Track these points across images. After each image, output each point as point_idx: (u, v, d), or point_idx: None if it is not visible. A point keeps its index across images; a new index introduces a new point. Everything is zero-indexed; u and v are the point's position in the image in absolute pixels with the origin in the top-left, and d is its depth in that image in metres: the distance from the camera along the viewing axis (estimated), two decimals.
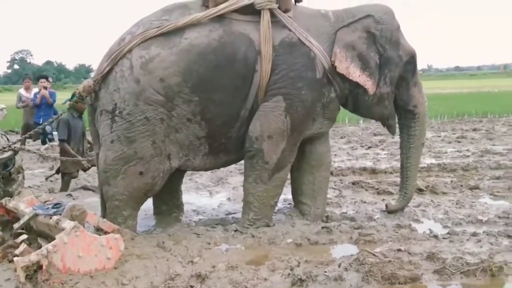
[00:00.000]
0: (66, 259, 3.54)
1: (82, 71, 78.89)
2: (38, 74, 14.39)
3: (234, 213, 5.67)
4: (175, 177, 5.21)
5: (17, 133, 13.25)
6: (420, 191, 6.30)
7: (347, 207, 5.89)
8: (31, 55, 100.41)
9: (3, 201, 4.56)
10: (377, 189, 6.65)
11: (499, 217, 5.29)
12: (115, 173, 4.60)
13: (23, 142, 8.43)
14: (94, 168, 6.40)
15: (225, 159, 5.02)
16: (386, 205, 5.57)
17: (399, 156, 5.60)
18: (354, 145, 11.29)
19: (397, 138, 5.72)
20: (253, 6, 4.67)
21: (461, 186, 6.76)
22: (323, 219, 5.22)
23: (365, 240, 4.57)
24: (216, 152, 4.86)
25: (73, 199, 6.33)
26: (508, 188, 6.63)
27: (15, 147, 5.13)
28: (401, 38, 5.13)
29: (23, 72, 55.25)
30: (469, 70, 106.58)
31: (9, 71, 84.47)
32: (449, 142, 11.40)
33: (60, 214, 3.94)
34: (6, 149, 5.00)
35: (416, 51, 5.21)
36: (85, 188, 6.95)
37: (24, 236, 3.95)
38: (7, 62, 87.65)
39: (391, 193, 6.39)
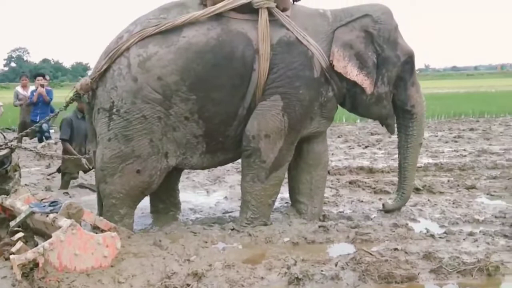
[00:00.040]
0: (63, 257, 3.53)
1: (79, 69, 78.58)
2: (35, 72, 14.42)
3: (231, 212, 5.67)
4: (173, 175, 5.21)
5: (13, 131, 13.23)
6: (417, 190, 6.31)
7: (344, 206, 5.89)
8: (28, 53, 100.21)
9: None
10: (374, 188, 6.65)
11: (495, 217, 5.30)
12: (112, 171, 4.59)
13: (19, 140, 8.41)
14: None
15: (222, 158, 5.02)
16: (383, 204, 5.58)
17: (396, 156, 5.61)
18: (351, 144, 11.30)
19: (394, 137, 5.73)
20: (251, 5, 4.67)
21: (458, 185, 6.77)
22: (320, 218, 5.22)
23: (362, 239, 4.57)
24: (213, 150, 4.86)
25: (70, 197, 6.34)
26: (504, 187, 6.65)
27: (11, 145, 5.11)
28: (399, 38, 5.13)
29: (20, 70, 55.12)
30: (466, 70, 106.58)
31: (6, 69, 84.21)
32: (446, 142, 11.42)
33: (57, 212, 3.93)
34: (2, 147, 4.99)
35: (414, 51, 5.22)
36: (82, 186, 6.96)
37: (21, 234, 3.93)
38: (4, 60, 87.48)
39: (388, 193, 6.40)
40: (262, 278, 3.73)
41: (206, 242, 4.47)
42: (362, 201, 6.06)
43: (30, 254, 3.41)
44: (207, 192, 6.79)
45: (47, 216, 3.94)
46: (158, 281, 3.61)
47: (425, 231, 4.78)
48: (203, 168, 5.38)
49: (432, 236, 4.64)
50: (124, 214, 4.69)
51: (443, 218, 5.32)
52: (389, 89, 5.09)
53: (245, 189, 4.95)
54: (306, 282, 3.63)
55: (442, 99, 22.72)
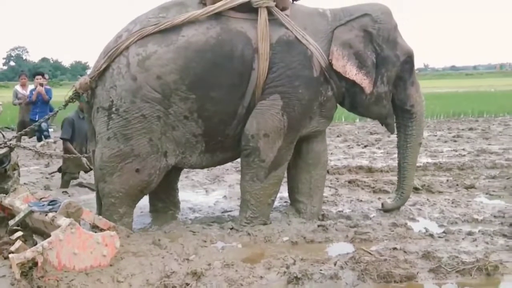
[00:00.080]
0: (62, 256, 3.53)
1: (78, 68, 78.61)
2: (34, 71, 14.36)
3: (230, 211, 5.67)
4: (172, 174, 5.21)
5: (12, 130, 13.22)
6: (416, 190, 6.31)
7: (343, 205, 5.89)
8: (27, 52, 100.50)
9: None
10: (373, 187, 6.66)
11: (494, 216, 5.31)
12: (111, 170, 4.59)
13: (18, 139, 8.41)
14: None
15: (221, 157, 5.02)
16: (382, 204, 5.58)
17: (395, 155, 5.61)
18: (351, 144, 11.31)
19: (393, 137, 5.73)
20: (250, 4, 4.67)
21: (457, 185, 6.77)
22: (319, 218, 5.22)
23: (361, 239, 4.57)
24: (212, 149, 4.86)
25: (69, 196, 6.34)
26: (503, 187, 6.65)
27: (10, 143, 5.11)
28: (399, 38, 5.13)
29: (19, 69, 54.97)
30: (465, 69, 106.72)
31: (5, 67, 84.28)
32: (445, 141, 11.43)
33: (56, 211, 3.93)
34: (1, 146, 4.98)
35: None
36: (81, 185, 6.96)
37: (20, 233, 3.93)
38: (3, 58, 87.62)
39: (387, 192, 6.41)
40: (261, 277, 3.73)
41: (205, 241, 4.48)
42: (361, 201, 6.06)
43: (29, 253, 3.40)
44: (206, 191, 6.78)
45: (46, 215, 3.94)
46: (157, 280, 3.61)
47: (424, 230, 4.79)
48: (202, 167, 5.38)
49: (431, 235, 4.64)
50: (123, 213, 4.69)
51: (442, 217, 5.32)
52: (388, 89, 5.09)
53: (244, 188, 4.95)
54: (305, 281, 3.63)
55: (441, 98, 22.74)
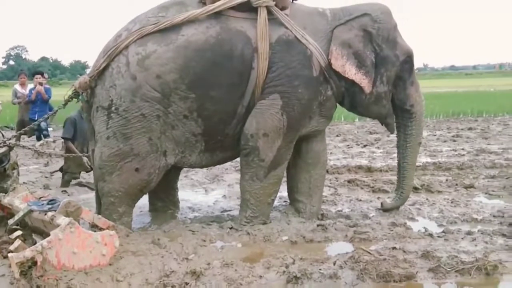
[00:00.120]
0: (61, 255, 3.53)
1: (78, 67, 78.58)
2: (34, 70, 14.34)
3: (230, 211, 5.67)
4: (172, 174, 5.21)
5: (12, 129, 13.21)
6: (415, 189, 6.31)
7: (343, 205, 5.89)
8: (27, 51, 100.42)
9: None
10: (373, 187, 6.66)
11: (494, 216, 5.31)
12: (110, 170, 4.59)
13: (18, 138, 8.41)
14: None
15: (221, 156, 5.02)
16: (381, 203, 5.58)
17: (394, 155, 5.61)
18: (350, 143, 11.31)
19: (392, 136, 5.73)
20: (250, 3, 4.66)
21: (456, 185, 6.77)
22: (319, 217, 5.22)
23: (360, 238, 4.57)
24: (212, 149, 4.86)
25: (68, 195, 6.34)
26: (503, 187, 6.65)
27: (10, 143, 5.11)
28: (398, 37, 5.12)
29: (19, 68, 55.01)
30: (464, 69, 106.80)
31: (5, 67, 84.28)
32: (445, 141, 11.43)
33: (55, 210, 3.93)
34: (1, 145, 4.98)
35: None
36: (80, 184, 6.95)
37: (19, 232, 3.94)
38: (3, 58, 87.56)
39: (386, 191, 6.41)
40: (261, 276, 3.73)
41: (205, 241, 4.47)
42: (360, 200, 6.06)
43: (28, 252, 3.40)
44: (205, 191, 6.78)
45: (46, 214, 3.94)
46: (157, 280, 3.61)
47: (423, 230, 4.79)
48: (202, 167, 5.38)
49: (431, 235, 4.65)
50: (122, 212, 4.69)
51: (441, 217, 5.32)
52: (388, 89, 5.09)
53: (244, 188, 4.95)
54: (305, 280, 3.63)
55: (440, 98, 22.72)
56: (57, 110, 5.41)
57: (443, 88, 34.67)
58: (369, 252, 4.02)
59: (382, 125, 5.55)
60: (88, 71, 5.14)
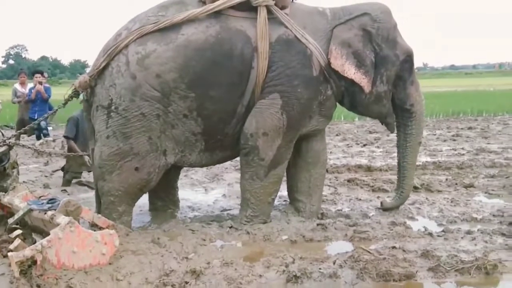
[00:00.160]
0: (61, 254, 3.53)
1: (78, 67, 78.59)
2: (34, 69, 14.35)
3: (229, 210, 5.68)
4: (172, 173, 5.21)
5: (12, 128, 13.20)
6: (415, 188, 6.30)
7: (342, 204, 5.89)
8: (26, 50, 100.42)
9: None
10: (372, 186, 6.66)
11: (493, 215, 5.31)
12: (110, 169, 4.59)
13: (17, 137, 8.40)
14: None
15: (221, 156, 5.02)
16: (381, 203, 5.58)
17: (394, 154, 5.61)
18: (350, 143, 11.31)
19: (392, 135, 5.73)
20: (249, 3, 4.66)
21: (456, 184, 6.78)
22: (318, 216, 5.22)
23: (360, 238, 4.57)
24: (212, 148, 4.86)
25: (68, 194, 6.34)
26: (502, 186, 6.65)
27: (9, 142, 5.11)
28: (398, 37, 5.12)
29: (18, 67, 55.02)
30: (464, 68, 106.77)
31: (4, 66, 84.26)
32: (444, 140, 11.43)
33: (55, 210, 3.92)
34: (0, 144, 4.98)
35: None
36: (80, 183, 6.95)
37: (19, 231, 3.93)
38: (2, 57, 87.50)
39: (386, 191, 6.41)
40: (261, 276, 3.73)
41: (205, 240, 4.47)
42: (360, 199, 6.06)
43: (28, 252, 3.40)
44: (205, 190, 6.78)
45: (45, 213, 3.93)
46: (156, 279, 3.61)
47: (423, 229, 4.79)
48: (201, 166, 5.38)
49: (430, 234, 4.64)
50: (122, 211, 4.69)
51: (441, 216, 5.32)
52: (388, 88, 5.08)
53: (244, 187, 4.95)
54: (304, 280, 3.62)
55: (440, 97, 22.72)
56: (57, 110, 5.41)
57: (443, 87, 34.68)
58: (369, 251, 4.02)
59: (382, 124, 5.55)
60: (88, 70, 5.14)
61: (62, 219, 3.69)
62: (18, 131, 6.67)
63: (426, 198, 6.03)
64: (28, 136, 11.45)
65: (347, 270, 3.77)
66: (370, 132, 13.14)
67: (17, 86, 11.38)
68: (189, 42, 4.52)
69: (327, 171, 6.35)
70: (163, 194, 5.52)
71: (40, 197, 4.44)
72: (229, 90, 4.64)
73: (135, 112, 4.48)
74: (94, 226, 4.24)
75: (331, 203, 5.92)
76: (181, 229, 4.78)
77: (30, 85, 11.12)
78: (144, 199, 5.32)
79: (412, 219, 5.25)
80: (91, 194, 5.75)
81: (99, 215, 4.39)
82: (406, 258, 3.92)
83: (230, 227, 4.81)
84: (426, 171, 7.73)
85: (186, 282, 3.56)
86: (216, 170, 7.71)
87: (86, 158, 6.63)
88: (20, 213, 4.15)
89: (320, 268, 3.77)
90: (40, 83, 10.65)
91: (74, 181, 7.00)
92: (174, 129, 4.63)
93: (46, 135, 10.82)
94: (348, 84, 4.92)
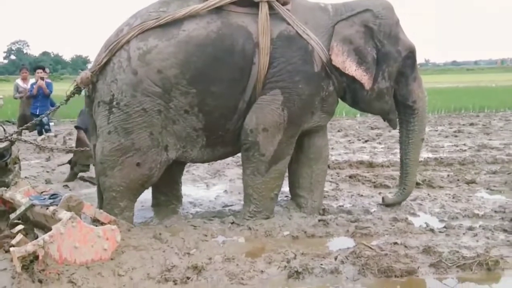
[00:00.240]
0: (63, 249, 3.54)
1: (79, 62, 78.49)
2: (35, 65, 14.36)
3: (231, 205, 5.68)
4: (175, 168, 5.22)
5: (13, 123, 13.21)
6: (417, 185, 6.29)
7: (344, 200, 5.89)
8: (28, 45, 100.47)
9: None
10: (374, 182, 6.65)
11: (495, 212, 5.30)
12: (112, 164, 4.59)
13: (19, 132, 8.41)
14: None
15: (222, 151, 5.02)
16: (382, 198, 5.58)
17: (396, 150, 5.60)
18: (351, 139, 11.30)
19: (394, 131, 5.72)
20: None
21: (458, 180, 6.77)
22: (320, 212, 5.22)
23: (361, 233, 4.57)
24: (213, 144, 4.86)
25: (70, 190, 6.34)
26: (504, 182, 6.64)
27: (11, 137, 5.11)
28: (400, 33, 5.10)
29: (20, 62, 54.91)
30: (466, 64, 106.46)
31: (6, 61, 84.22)
32: (446, 136, 11.42)
33: (57, 205, 3.93)
34: (2, 140, 4.99)
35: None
36: (82, 179, 6.95)
37: (21, 227, 3.93)
38: (4, 52, 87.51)
39: (388, 187, 6.40)
40: (262, 271, 3.73)
41: (206, 236, 4.48)
42: (362, 195, 6.06)
43: (30, 247, 3.41)
44: (207, 186, 6.79)
45: (47, 208, 3.94)
46: (158, 274, 3.62)
47: (424, 225, 4.78)
48: (203, 162, 5.38)
49: (432, 230, 4.64)
50: (124, 207, 4.69)
51: (442, 212, 5.32)
52: (390, 85, 5.07)
53: (246, 183, 4.95)
54: (306, 275, 3.63)
55: (442, 93, 22.67)
56: (59, 106, 5.41)
57: (444, 83, 34.61)
58: (370, 247, 4.02)
59: (384, 121, 5.54)
60: (89, 65, 5.14)
61: (64, 215, 3.69)
62: (20, 127, 6.66)
63: (428, 194, 6.03)
64: (30, 131, 11.46)
65: (348, 266, 3.78)
66: (372, 128, 13.13)
67: (19, 81, 11.39)
68: (191, 37, 4.52)
69: (328, 167, 6.36)
70: (167, 189, 5.52)
71: (42, 192, 4.44)
72: (230, 86, 4.64)
73: (136, 107, 4.48)
74: (96, 221, 4.24)
75: (332, 199, 5.92)
76: (183, 225, 4.79)
77: (32, 80, 11.13)
78: (146, 195, 5.31)
79: (414, 215, 5.25)
80: (93, 189, 5.76)
81: (101, 211, 4.40)
82: (408, 254, 3.92)
83: (232, 223, 4.81)
84: (428, 167, 7.71)
85: (188, 278, 3.57)
86: (218, 166, 7.71)
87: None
88: (22, 208, 4.15)
89: (321, 264, 3.78)
90: (42, 78, 10.66)
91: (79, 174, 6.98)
92: (176, 124, 4.63)
93: (48, 130, 10.81)
94: (350, 80, 4.92)
